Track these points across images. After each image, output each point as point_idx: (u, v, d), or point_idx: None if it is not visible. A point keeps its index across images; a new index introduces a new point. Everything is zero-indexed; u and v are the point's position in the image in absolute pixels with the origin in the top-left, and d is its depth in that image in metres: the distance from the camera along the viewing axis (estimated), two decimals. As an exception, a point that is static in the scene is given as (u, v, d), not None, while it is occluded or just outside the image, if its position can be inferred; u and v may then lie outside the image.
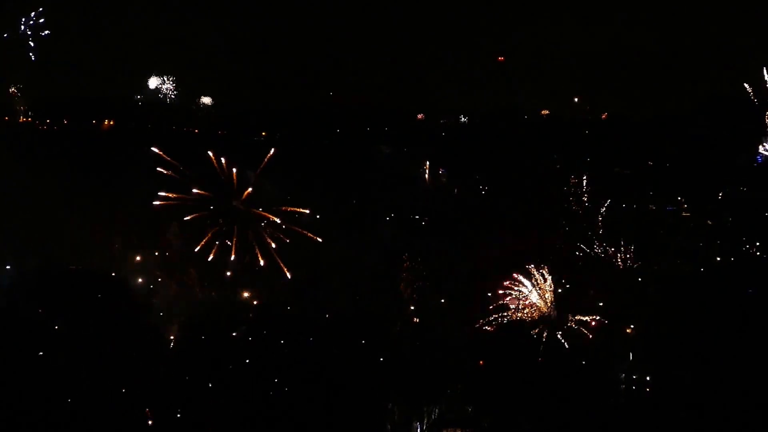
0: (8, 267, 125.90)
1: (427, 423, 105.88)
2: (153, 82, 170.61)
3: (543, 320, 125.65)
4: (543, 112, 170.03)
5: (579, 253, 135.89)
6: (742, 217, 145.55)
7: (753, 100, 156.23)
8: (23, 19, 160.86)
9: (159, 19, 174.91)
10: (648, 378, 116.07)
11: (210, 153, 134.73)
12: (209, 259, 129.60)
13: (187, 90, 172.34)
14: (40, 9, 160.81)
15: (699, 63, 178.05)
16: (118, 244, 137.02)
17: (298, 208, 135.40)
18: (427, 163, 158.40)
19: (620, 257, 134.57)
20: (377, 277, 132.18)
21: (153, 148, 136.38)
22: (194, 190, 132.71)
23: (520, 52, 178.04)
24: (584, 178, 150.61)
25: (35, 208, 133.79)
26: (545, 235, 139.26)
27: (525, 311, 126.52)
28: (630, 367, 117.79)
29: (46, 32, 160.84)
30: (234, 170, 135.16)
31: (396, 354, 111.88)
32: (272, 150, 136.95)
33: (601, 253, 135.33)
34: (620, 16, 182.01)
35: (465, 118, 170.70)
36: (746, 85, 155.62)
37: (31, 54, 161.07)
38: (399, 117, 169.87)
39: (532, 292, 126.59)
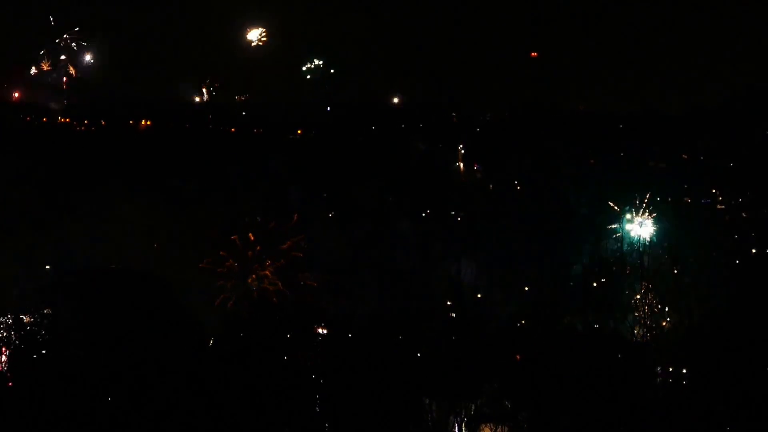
0: (47, 267, 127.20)
1: (464, 418, 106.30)
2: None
3: (576, 314, 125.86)
4: (579, 107, 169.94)
5: (613, 246, 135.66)
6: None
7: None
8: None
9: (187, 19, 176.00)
10: (684, 371, 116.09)
11: None
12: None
13: (224, 88, 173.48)
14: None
15: (734, 54, 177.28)
16: (157, 243, 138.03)
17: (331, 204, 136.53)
18: (462, 158, 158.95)
19: (655, 251, 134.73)
20: (413, 273, 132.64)
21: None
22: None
23: (554, 47, 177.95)
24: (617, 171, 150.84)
25: (73, 207, 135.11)
26: (580, 229, 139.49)
27: (558, 305, 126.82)
28: (667, 360, 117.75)
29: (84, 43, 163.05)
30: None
31: (433, 350, 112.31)
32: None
33: (636, 246, 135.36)
34: (652, 8, 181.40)
35: (500, 113, 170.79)
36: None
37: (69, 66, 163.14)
38: (434, 113, 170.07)
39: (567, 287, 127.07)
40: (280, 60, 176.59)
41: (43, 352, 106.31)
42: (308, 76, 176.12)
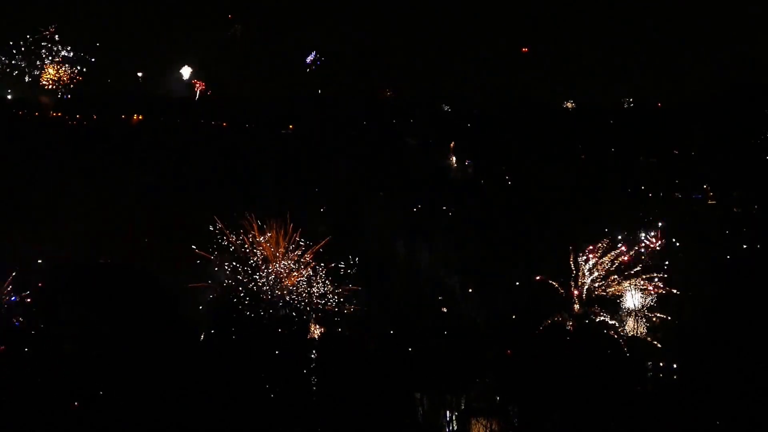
0: (39, 261, 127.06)
1: (455, 412, 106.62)
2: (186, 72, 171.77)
3: (570, 309, 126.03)
4: (568, 104, 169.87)
5: (605, 242, 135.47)
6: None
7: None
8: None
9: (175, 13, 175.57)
10: (675, 366, 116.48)
11: None
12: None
13: (214, 83, 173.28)
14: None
15: (727, 48, 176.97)
16: (147, 238, 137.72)
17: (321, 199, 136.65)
18: (453, 154, 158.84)
19: (647, 245, 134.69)
20: (404, 267, 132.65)
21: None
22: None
23: (545, 42, 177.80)
24: (609, 167, 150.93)
25: (65, 202, 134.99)
26: (571, 225, 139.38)
27: (550, 300, 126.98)
28: (657, 355, 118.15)
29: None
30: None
31: (425, 344, 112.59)
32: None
33: (628, 241, 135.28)
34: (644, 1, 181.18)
35: (491, 109, 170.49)
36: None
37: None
38: (425, 108, 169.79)
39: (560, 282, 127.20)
40: (271, 54, 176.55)
41: (34, 346, 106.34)
42: (299, 71, 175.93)
